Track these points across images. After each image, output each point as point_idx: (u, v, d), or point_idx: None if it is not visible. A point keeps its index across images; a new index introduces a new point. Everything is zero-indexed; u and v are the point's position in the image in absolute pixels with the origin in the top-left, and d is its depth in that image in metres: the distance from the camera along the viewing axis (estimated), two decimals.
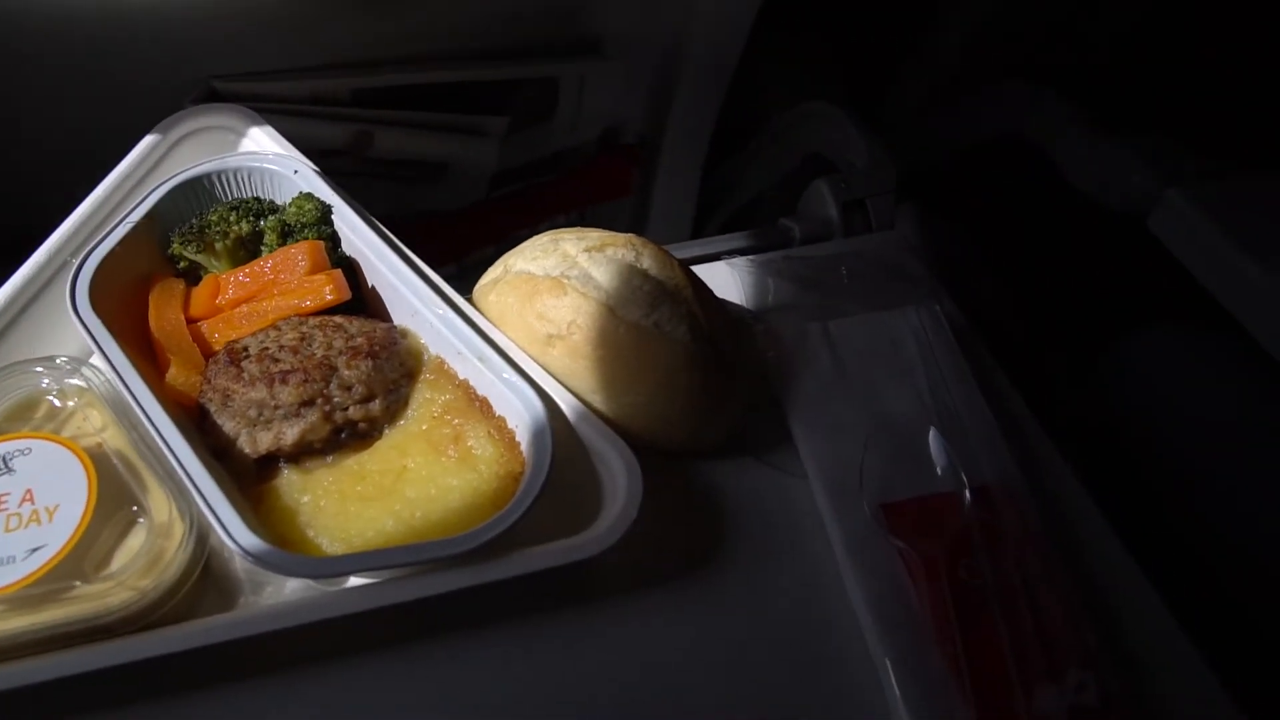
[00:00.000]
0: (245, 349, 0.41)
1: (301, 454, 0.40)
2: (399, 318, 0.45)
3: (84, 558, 0.36)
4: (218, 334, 0.43)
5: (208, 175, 0.47)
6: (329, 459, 0.40)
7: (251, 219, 0.46)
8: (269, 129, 0.51)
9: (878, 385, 0.48)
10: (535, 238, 0.47)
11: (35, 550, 0.35)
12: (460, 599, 0.36)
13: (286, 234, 0.46)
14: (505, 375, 0.41)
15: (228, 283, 0.45)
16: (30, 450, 0.38)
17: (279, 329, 0.42)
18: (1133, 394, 0.84)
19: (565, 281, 0.43)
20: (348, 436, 0.41)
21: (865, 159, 0.61)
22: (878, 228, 0.58)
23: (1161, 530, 0.73)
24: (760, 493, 0.44)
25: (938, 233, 0.78)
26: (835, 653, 0.39)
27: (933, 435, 0.44)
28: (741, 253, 0.56)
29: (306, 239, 0.45)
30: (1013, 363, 0.67)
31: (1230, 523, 0.74)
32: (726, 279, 0.53)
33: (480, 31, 0.65)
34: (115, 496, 0.38)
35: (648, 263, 0.44)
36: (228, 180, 0.48)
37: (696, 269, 0.54)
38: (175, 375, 0.41)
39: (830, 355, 0.49)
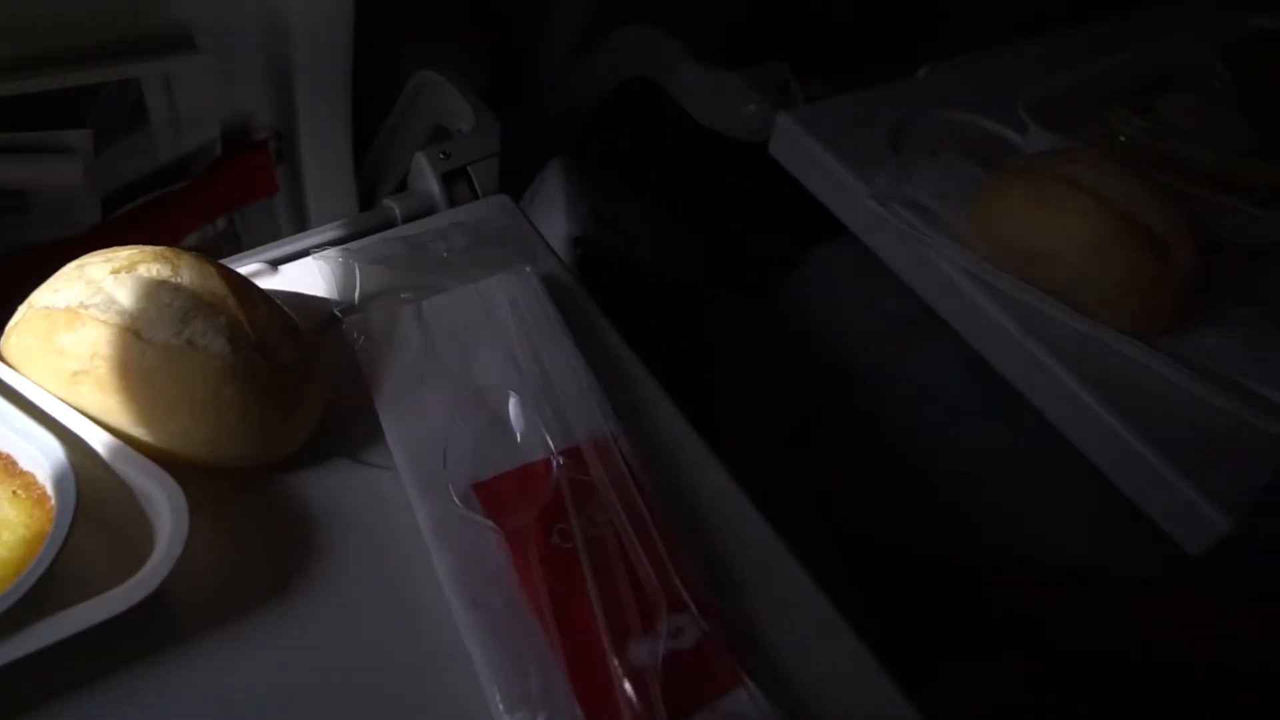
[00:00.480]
0: None
1: None
2: None
3: None
4: None
5: None
6: None
7: None
8: None
9: (471, 360, 0.46)
10: (64, 267, 0.43)
11: None
12: None
13: None
14: (19, 425, 0.37)
15: None
16: None
17: None
18: (809, 308, 0.87)
19: (83, 311, 0.39)
20: None
21: (471, 124, 0.59)
22: (484, 194, 0.56)
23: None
24: (352, 493, 0.42)
25: (591, 184, 0.77)
26: (436, 649, 0.38)
27: (514, 404, 0.43)
28: (339, 242, 0.53)
29: None
30: (676, 302, 0.67)
31: (879, 429, 0.77)
32: (315, 274, 0.50)
33: (41, 33, 0.59)
34: None
35: (185, 275, 0.40)
36: None
37: (287, 268, 0.51)
38: None
39: (422, 336, 0.47)
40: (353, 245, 0.52)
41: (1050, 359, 0.51)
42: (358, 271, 0.49)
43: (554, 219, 0.72)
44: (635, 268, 0.71)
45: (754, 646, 0.39)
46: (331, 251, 0.51)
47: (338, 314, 0.48)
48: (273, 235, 0.79)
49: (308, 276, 0.50)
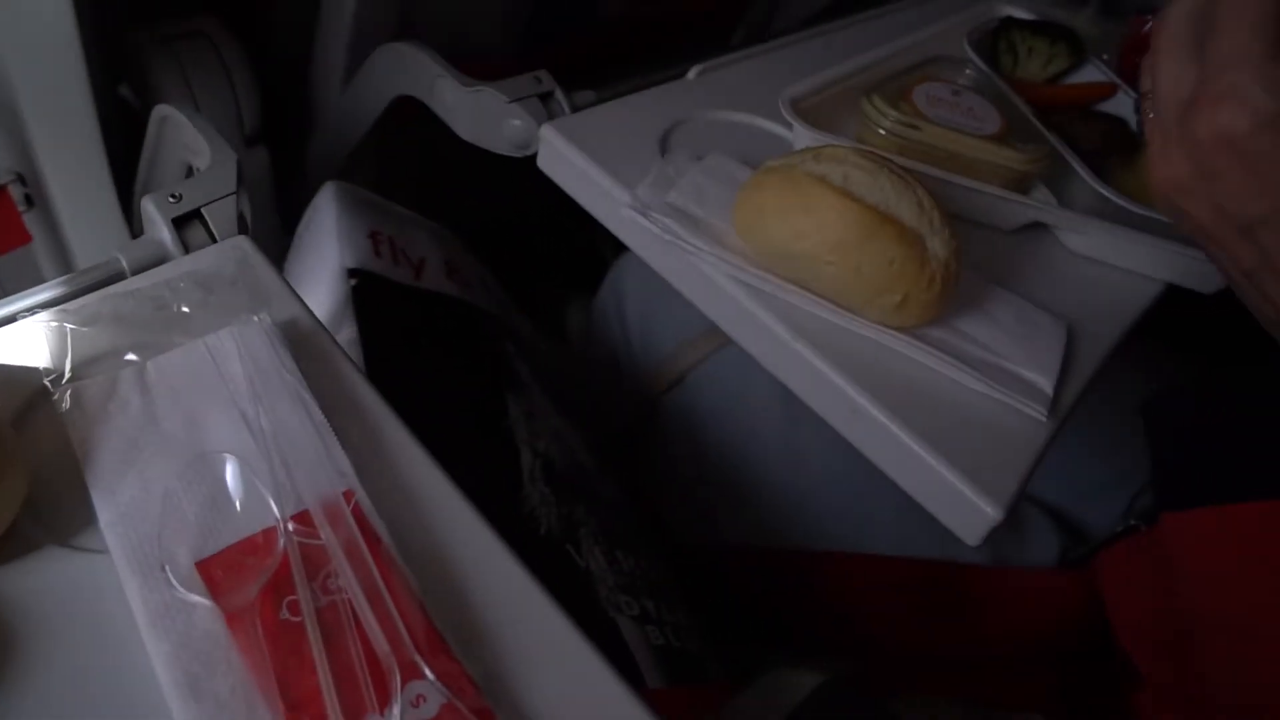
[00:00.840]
0: None
1: None
2: None
3: None
4: None
5: None
6: None
7: None
8: None
9: (198, 424, 0.42)
10: None
11: None
12: None
13: None
14: None
15: None
16: None
17: None
18: (618, 317, 0.85)
19: None
20: None
21: (208, 160, 0.55)
22: (222, 237, 0.52)
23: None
24: (61, 584, 0.38)
25: (370, 209, 0.74)
26: None
27: (238, 469, 0.40)
28: (56, 303, 0.48)
29: None
30: (468, 328, 0.64)
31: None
32: (22, 343, 0.45)
33: None
34: None
35: None
36: None
37: None
38: None
39: (142, 401, 0.43)
40: (70, 305, 0.48)
41: (819, 360, 0.50)
42: (69, 335, 0.45)
43: (326, 250, 0.68)
44: (420, 296, 0.68)
45: (508, 702, 0.36)
46: (43, 314, 0.46)
47: (48, 385, 0.43)
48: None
49: (13, 346, 0.45)
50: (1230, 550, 0.39)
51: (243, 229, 0.53)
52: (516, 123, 0.60)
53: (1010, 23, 0.72)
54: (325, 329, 0.48)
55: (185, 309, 0.47)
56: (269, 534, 0.38)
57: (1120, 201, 0.58)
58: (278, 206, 0.89)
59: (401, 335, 0.67)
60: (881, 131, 0.58)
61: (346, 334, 0.65)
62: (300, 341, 0.47)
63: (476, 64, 0.84)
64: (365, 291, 0.68)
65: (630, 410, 0.88)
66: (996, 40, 0.72)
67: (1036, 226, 0.62)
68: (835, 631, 0.74)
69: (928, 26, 0.74)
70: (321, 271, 0.70)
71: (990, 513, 0.46)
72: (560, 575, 0.57)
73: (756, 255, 0.52)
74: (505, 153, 0.62)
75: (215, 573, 0.37)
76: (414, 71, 0.64)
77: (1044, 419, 0.49)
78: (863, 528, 0.72)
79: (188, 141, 0.58)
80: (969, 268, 0.56)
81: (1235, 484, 0.38)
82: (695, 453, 0.81)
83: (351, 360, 0.47)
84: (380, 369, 0.63)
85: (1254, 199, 0.36)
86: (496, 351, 0.72)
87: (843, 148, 0.51)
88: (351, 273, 0.69)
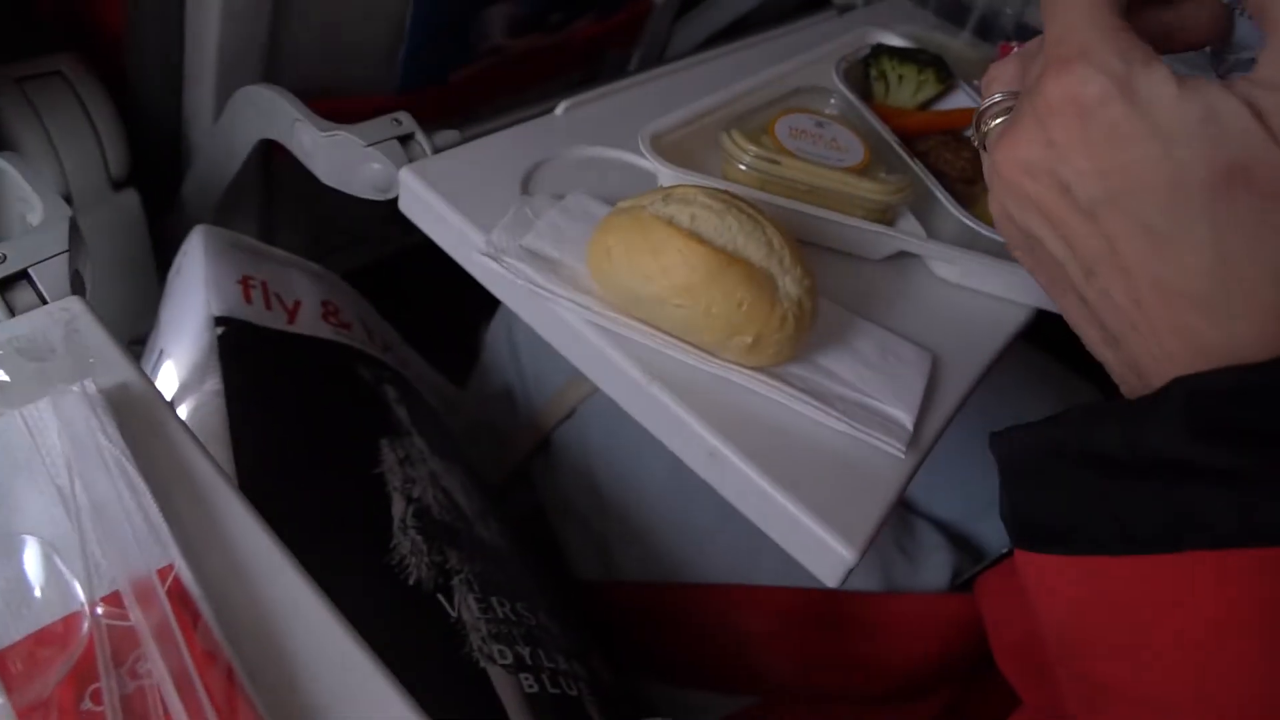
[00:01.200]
0: None
1: None
2: None
3: None
4: None
5: None
6: None
7: None
8: None
9: (9, 504, 0.40)
10: None
11: None
12: None
13: None
14: None
15: None
16: None
17: None
18: (510, 359, 0.84)
19: None
20: None
21: (40, 216, 0.53)
22: (54, 298, 0.50)
23: None
24: None
25: (243, 254, 0.72)
26: None
27: (42, 551, 0.38)
28: None
29: None
30: (347, 374, 0.62)
31: None
32: None
33: None
34: None
35: None
36: None
37: None
38: None
39: None
40: None
41: (675, 404, 0.50)
42: None
43: (193, 297, 0.66)
44: (293, 341, 0.66)
45: None
46: None
47: None
48: None
49: None
50: (1059, 596, 0.38)
51: (78, 289, 0.50)
52: (376, 166, 0.59)
53: (880, 50, 0.72)
54: (159, 393, 0.46)
55: (4, 377, 0.45)
56: (71, 620, 0.36)
57: (982, 230, 0.58)
58: (155, 248, 0.86)
59: (270, 384, 0.65)
60: (742, 167, 0.58)
61: (211, 385, 0.63)
62: (130, 407, 0.45)
63: (357, 101, 0.83)
64: (232, 340, 0.66)
65: (526, 443, 0.87)
66: (868, 68, 0.72)
67: (905, 255, 0.62)
68: (729, 666, 0.73)
69: (802, 54, 0.74)
70: (188, 320, 0.68)
71: (845, 555, 0.46)
72: (429, 626, 0.56)
73: (610, 298, 0.51)
74: (367, 196, 0.61)
75: (11, 666, 0.35)
76: (272, 115, 0.62)
77: (902, 455, 0.49)
78: (754, 559, 0.72)
79: (24, 194, 0.56)
80: (834, 300, 0.56)
81: (1055, 534, 0.37)
82: (589, 487, 0.80)
83: (184, 425, 0.45)
84: (245, 421, 0.61)
85: (1099, 177, 0.33)
86: (373, 396, 0.70)
87: (693, 187, 0.50)
88: (219, 320, 0.67)
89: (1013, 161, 0.37)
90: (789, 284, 0.48)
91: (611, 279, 0.50)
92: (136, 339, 0.87)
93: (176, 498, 0.42)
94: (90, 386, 0.44)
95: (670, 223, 0.48)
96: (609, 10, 1.03)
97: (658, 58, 1.15)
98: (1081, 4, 0.34)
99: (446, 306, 0.98)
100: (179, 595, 0.38)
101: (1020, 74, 0.40)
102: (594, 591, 0.80)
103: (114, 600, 0.37)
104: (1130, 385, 0.37)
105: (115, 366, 0.47)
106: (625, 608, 0.79)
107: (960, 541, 0.78)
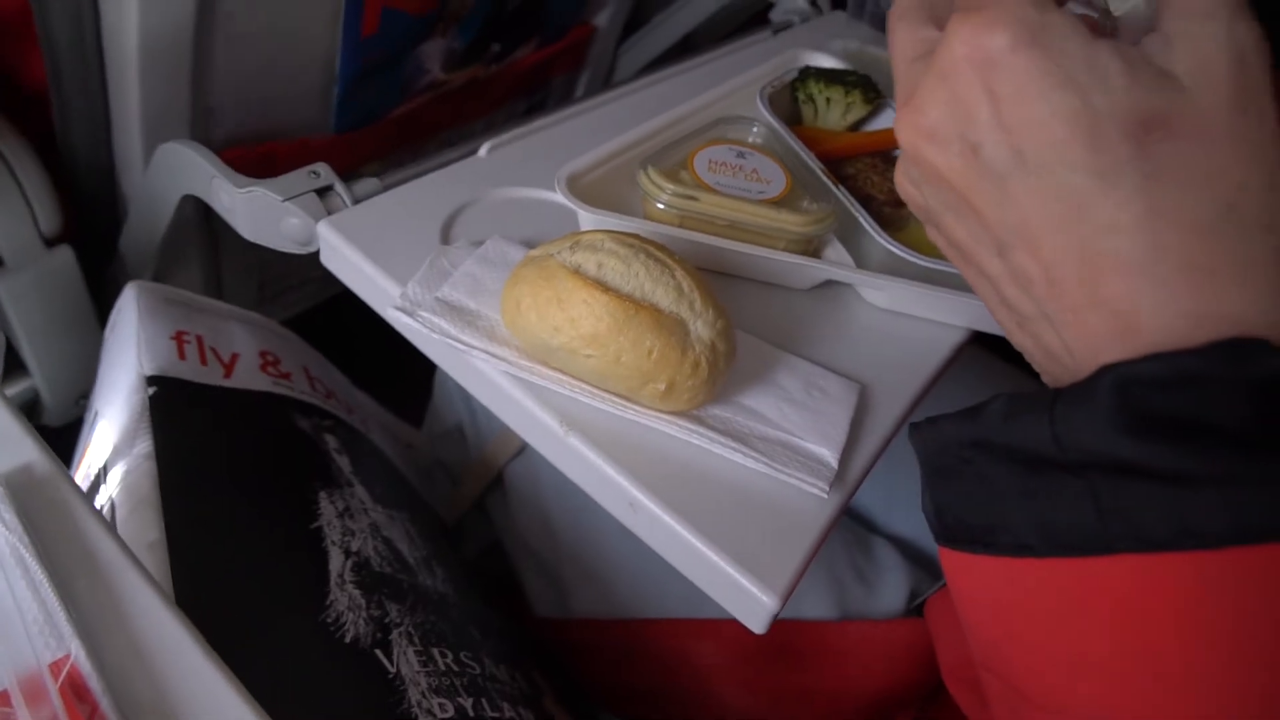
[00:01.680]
0: None
1: None
2: None
3: None
4: None
5: None
6: None
7: None
8: None
9: None
10: None
11: None
12: None
13: None
14: None
15: None
16: None
17: None
18: (450, 406, 0.83)
19: None
20: None
21: None
22: None
23: None
24: None
25: (179, 310, 0.71)
26: None
27: None
28: None
29: None
30: (285, 429, 0.62)
31: None
32: None
33: None
34: None
35: None
36: None
37: None
38: None
39: None
40: None
41: (593, 454, 0.49)
42: None
43: (126, 357, 0.66)
44: (229, 396, 0.65)
45: None
46: None
47: None
48: None
49: None
50: (982, 598, 0.37)
51: None
52: (294, 221, 0.58)
53: (807, 73, 0.72)
54: (64, 472, 0.46)
55: None
56: None
57: (909, 256, 0.57)
58: (99, 301, 0.86)
59: (203, 443, 0.65)
60: (660, 205, 0.57)
61: (141, 448, 0.63)
62: (34, 489, 0.45)
63: (295, 144, 0.82)
64: (164, 400, 0.65)
65: (479, 480, 0.86)
66: (795, 92, 0.72)
67: (835, 282, 0.61)
68: (689, 700, 0.73)
69: (730, 80, 0.73)
70: (121, 380, 0.68)
71: (767, 603, 0.45)
72: (367, 683, 0.55)
73: (525, 348, 0.50)
74: (288, 250, 0.60)
75: None
76: (191, 172, 0.62)
77: (825, 495, 0.49)
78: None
79: None
80: (761, 333, 0.56)
81: (977, 532, 0.35)
82: (542, 523, 0.80)
83: (90, 504, 0.45)
84: (175, 484, 0.60)
85: (1010, 133, 0.31)
86: (312, 446, 0.70)
87: (601, 233, 0.49)
88: (150, 380, 0.66)
89: (915, 129, 0.34)
90: (701, 328, 0.48)
91: (524, 330, 0.49)
92: (85, 393, 0.87)
93: (79, 582, 0.41)
94: None
95: (577, 272, 0.47)
96: (551, 38, 1.02)
97: (604, 81, 1.15)
98: None
99: (401, 346, 0.97)
100: (75, 687, 0.37)
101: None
102: (551, 629, 0.80)
103: (2, 700, 0.36)
104: (1052, 374, 0.35)
105: (19, 448, 0.46)
106: (583, 645, 0.78)
107: (920, 558, 0.78)
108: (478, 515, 0.90)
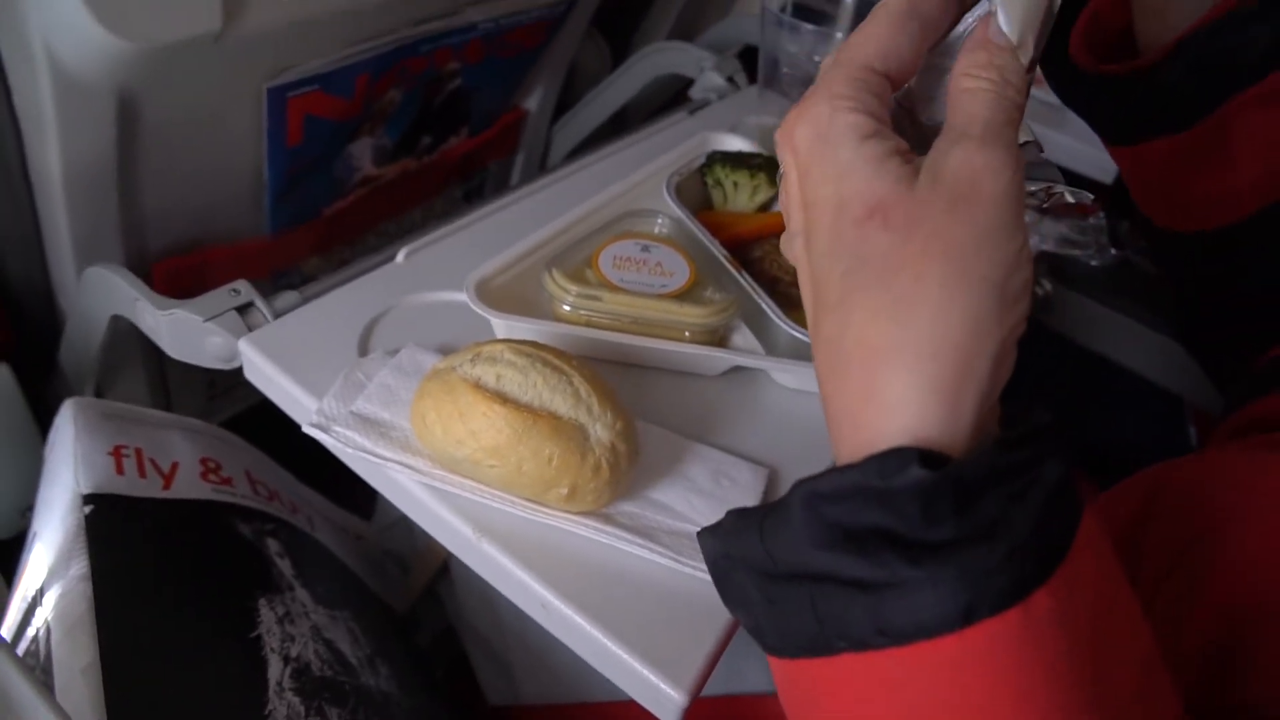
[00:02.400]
0: None
1: None
2: None
3: None
4: None
5: None
6: None
7: None
8: None
9: None
10: None
11: None
12: None
13: None
14: None
15: None
16: None
17: None
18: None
19: None
20: None
21: None
22: None
23: None
24: None
25: (116, 425, 0.72)
26: None
27: None
28: None
29: None
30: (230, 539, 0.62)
31: None
32: None
33: None
34: None
35: None
36: None
37: None
38: None
39: None
40: None
41: (504, 557, 0.51)
42: None
43: (63, 475, 0.67)
44: (167, 507, 0.67)
45: None
46: None
47: None
48: None
49: None
50: (779, 690, 0.39)
51: None
52: (216, 339, 0.60)
53: (714, 158, 0.74)
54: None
55: None
56: None
57: (805, 338, 0.59)
58: (40, 415, 0.87)
59: (141, 559, 0.66)
60: (565, 307, 0.59)
61: (77, 569, 0.64)
62: None
63: (230, 249, 0.84)
64: (101, 517, 0.66)
65: (427, 568, 0.87)
66: (705, 177, 0.74)
67: (744, 366, 0.63)
68: None
69: (640, 170, 0.76)
70: (57, 500, 0.69)
71: (676, 698, 0.47)
72: None
73: (435, 458, 0.52)
74: (213, 366, 0.62)
75: None
76: (116, 294, 0.64)
77: None
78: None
79: None
80: (672, 423, 0.58)
81: (751, 631, 0.37)
82: (489, 609, 0.81)
83: (14, 657, 0.46)
84: (111, 605, 0.61)
85: (802, 209, 0.35)
86: (253, 552, 0.71)
87: (500, 343, 0.51)
88: (87, 499, 0.67)
89: (786, 148, 0.37)
90: (600, 430, 0.49)
91: (431, 443, 0.51)
92: (29, 506, 0.88)
93: None
94: None
95: (477, 385, 0.49)
96: (481, 126, 1.05)
97: (540, 161, 1.18)
98: (849, 43, 0.36)
99: None
100: None
101: None
102: (502, 717, 0.80)
103: None
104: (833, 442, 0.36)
105: None
106: None
107: None
108: (430, 602, 0.91)
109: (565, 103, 1.18)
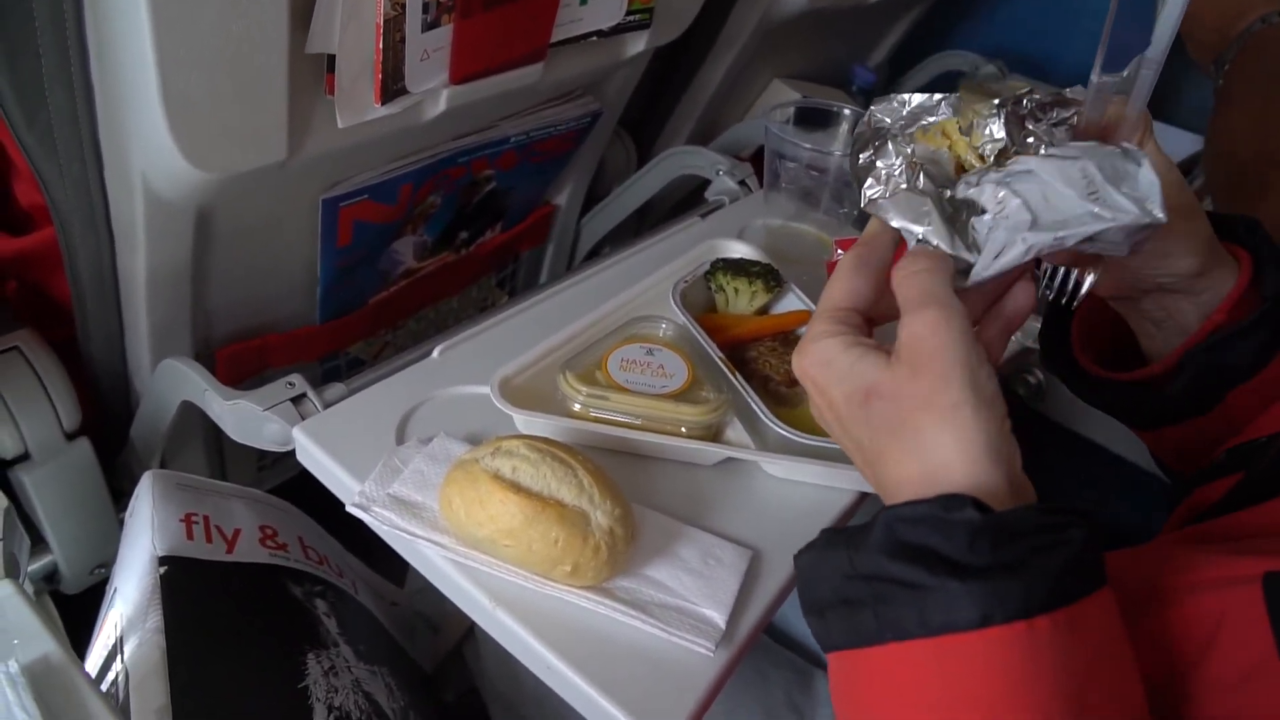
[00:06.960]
0: None
1: None
2: None
3: None
4: None
5: None
6: None
7: None
8: None
9: None
10: None
11: None
12: None
13: None
14: None
15: None
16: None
17: None
18: None
19: None
20: None
21: None
22: None
23: None
24: None
25: (189, 494, 0.81)
26: None
27: None
28: None
29: None
30: (279, 595, 0.71)
31: None
32: None
33: None
34: None
35: None
36: None
37: None
38: None
39: None
40: None
41: (515, 624, 0.59)
42: None
43: (141, 539, 0.76)
44: (230, 570, 0.76)
45: None
46: None
47: None
48: None
49: None
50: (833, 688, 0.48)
51: (11, 571, 0.60)
52: (274, 427, 0.69)
53: (717, 265, 0.83)
54: (74, 659, 0.55)
55: None
56: None
57: (795, 436, 0.67)
58: (113, 481, 0.96)
59: (207, 614, 0.74)
60: (577, 405, 0.68)
61: (152, 622, 0.73)
62: (49, 677, 0.54)
63: (284, 337, 0.94)
64: (173, 577, 0.75)
65: (455, 631, 0.95)
66: (709, 282, 0.83)
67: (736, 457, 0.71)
68: None
69: (649, 276, 0.85)
70: (136, 560, 0.78)
71: None
72: None
73: (459, 536, 0.61)
74: (270, 449, 0.71)
75: None
76: (187, 384, 0.73)
77: (711, 653, 0.58)
78: None
79: None
80: (669, 508, 0.66)
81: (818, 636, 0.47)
82: (510, 672, 0.88)
83: (95, 686, 0.54)
84: (181, 654, 0.70)
85: (829, 408, 0.51)
86: (303, 611, 0.79)
87: (517, 439, 0.60)
88: (162, 560, 0.76)
89: (805, 379, 0.52)
90: (600, 516, 0.58)
91: (456, 524, 0.59)
92: (100, 564, 0.97)
93: None
94: (13, 666, 0.53)
95: (496, 475, 0.58)
96: (515, 220, 1.15)
97: (569, 252, 1.28)
98: (825, 294, 0.52)
99: None
100: None
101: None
102: None
103: None
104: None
105: (36, 640, 0.57)
106: None
107: None
108: (456, 662, 0.98)
109: (594, 195, 1.28)
